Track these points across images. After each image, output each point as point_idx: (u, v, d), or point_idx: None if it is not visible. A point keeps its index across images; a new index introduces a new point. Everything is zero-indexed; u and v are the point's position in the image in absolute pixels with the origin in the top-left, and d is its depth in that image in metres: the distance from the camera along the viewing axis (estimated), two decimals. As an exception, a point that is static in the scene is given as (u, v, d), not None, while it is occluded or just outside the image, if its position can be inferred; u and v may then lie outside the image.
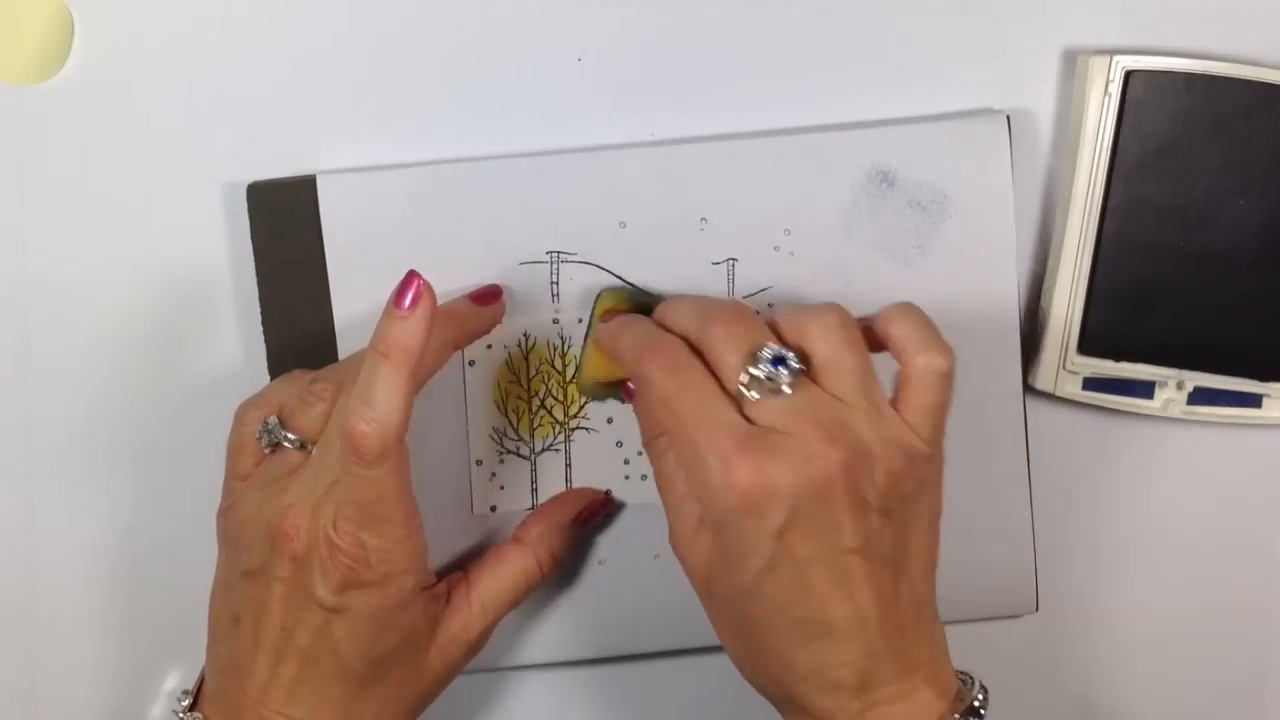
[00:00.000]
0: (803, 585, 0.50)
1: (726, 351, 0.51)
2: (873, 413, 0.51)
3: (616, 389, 0.59)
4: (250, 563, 0.54)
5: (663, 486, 0.54)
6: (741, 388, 0.50)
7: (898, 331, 0.52)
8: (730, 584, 0.51)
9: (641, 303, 0.59)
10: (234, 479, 0.57)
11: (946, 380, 0.52)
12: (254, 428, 0.56)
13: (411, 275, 0.53)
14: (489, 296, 0.59)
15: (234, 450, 0.57)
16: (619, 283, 0.60)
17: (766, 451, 0.49)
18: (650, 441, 0.55)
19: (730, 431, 0.50)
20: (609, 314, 0.58)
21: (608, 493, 0.61)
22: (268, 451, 0.56)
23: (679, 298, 0.56)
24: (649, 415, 0.55)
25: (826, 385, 0.51)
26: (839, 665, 0.50)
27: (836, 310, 0.52)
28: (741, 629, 0.52)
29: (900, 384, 0.52)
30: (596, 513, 0.61)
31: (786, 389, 0.50)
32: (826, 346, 0.51)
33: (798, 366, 0.51)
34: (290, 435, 0.55)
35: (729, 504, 0.49)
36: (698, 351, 0.52)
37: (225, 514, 0.56)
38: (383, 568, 0.53)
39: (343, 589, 0.53)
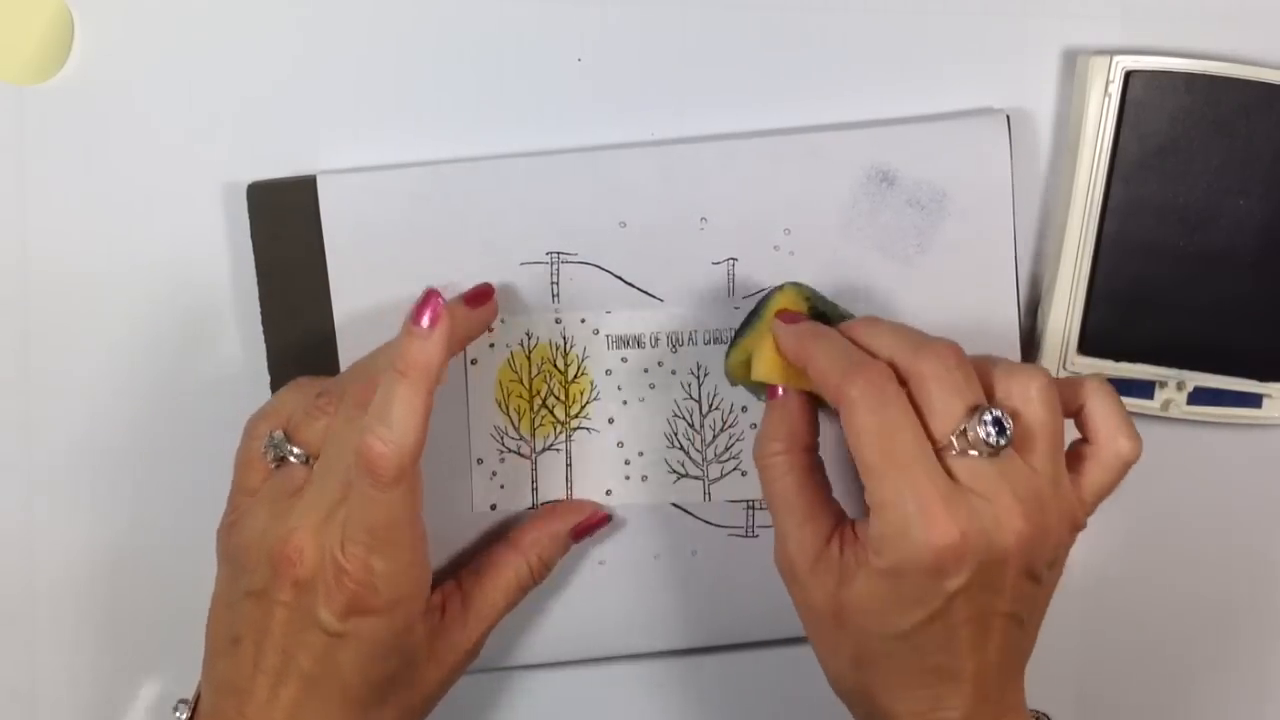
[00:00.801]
0: (951, 638, 0.51)
1: (948, 399, 0.50)
2: (1057, 485, 0.51)
3: (763, 387, 0.57)
4: (252, 584, 0.53)
5: (780, 505, 0.54)
6: (953, 438, 0.50)
7: (1095, 408, 0.53)
8: (882, 624, 0.51)
9: (820, 310, 0.57)
10: (240, 493, 0.56)
11: (1129, 470, 0.53)
12: (261, 442, 0.56)
13: (430, 294, 0.53)
14: (480, 297, 0.58)
15: (241, 464, 0.57)
16: (624, 286, 0.60)
17: (968, 516, 0.49)
18: (773, 455, 0.54)
19: (936, 487, 0.49)
20: (785, 314, 0.56)
21: (607, 514, 0.61)
22: (273, 466, 0.55)
23: (880, 320, 0.55)
24: (781, 426, 0.55)
25: (1024, 451, 0.51)
26: (951, 707, 0.51)
27: (1044, 375, 0.52)
28: (866, 660, 0.52)
29: (1083, 460, 0.53)
30: (594, 529, 0.60)
31: (994, 452, 0.50)
32: (1029, 411, 0.51)
33: (1010, 434, 0.50)
34: (296, 450, 0.55)
35: (920, 558, 0.49)
36: (902, 381, 0.51)
37: (228, 530, 0.55)
38: (389, 593, 0.52)
39: (347, 614, 0.52)
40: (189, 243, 0.61)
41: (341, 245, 0.59)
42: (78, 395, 0.61)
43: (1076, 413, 0.53)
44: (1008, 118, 0.61)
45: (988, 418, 0.50)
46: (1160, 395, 0.62)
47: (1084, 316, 0.61)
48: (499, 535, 0.60)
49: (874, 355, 0.52)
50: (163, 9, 0.60)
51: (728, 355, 0.58)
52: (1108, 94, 0.60)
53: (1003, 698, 0.52)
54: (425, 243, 0.59)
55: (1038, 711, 0.56)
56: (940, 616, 0.50)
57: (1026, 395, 0.51)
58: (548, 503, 0.61)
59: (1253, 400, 0.62)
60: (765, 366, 0.56)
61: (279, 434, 0.55)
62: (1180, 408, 0.62)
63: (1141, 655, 0.65)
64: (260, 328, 0.60)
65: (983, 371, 0.52)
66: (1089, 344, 0.61)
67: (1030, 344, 0.62)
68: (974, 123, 0.61)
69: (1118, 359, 0.62)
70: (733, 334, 0.58)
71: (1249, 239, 0.61)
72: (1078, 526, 0.53)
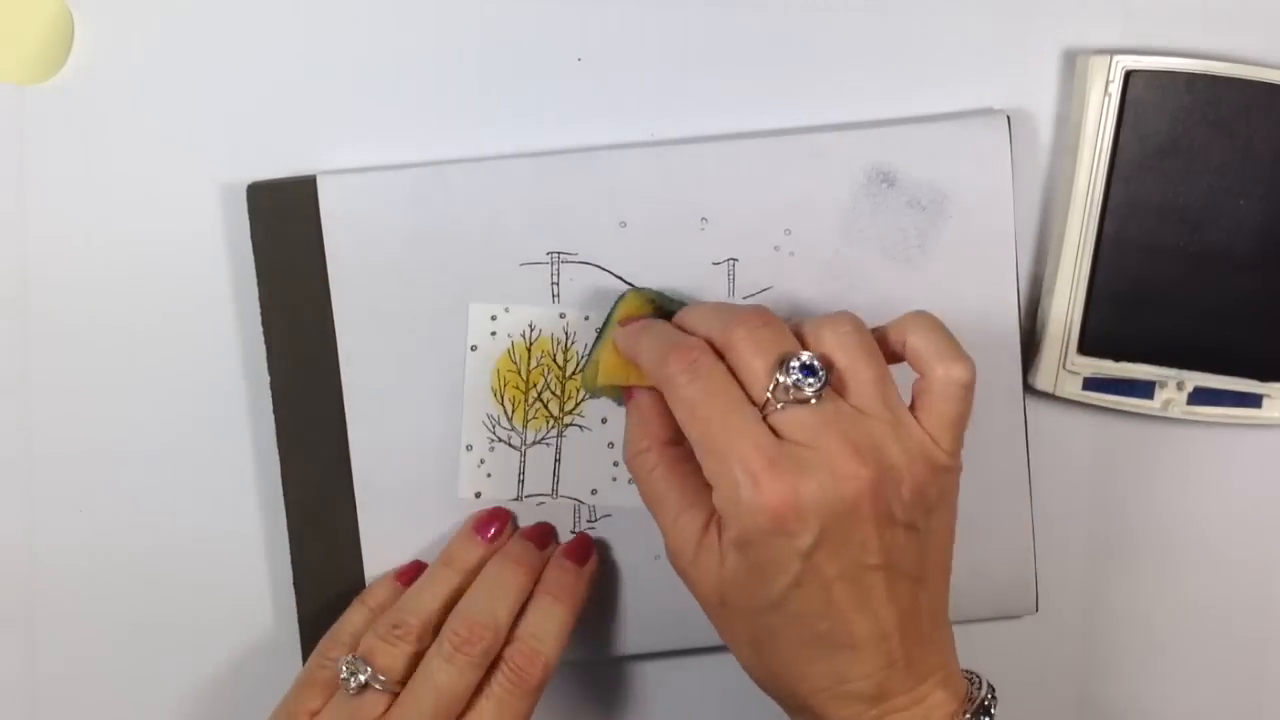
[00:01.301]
0: (827, 601, 0.50)
1: (753, 357, 0.51)
2: (896, 424, 0.50)
3: (619, 393, 0.59)
4: None
5: (653, 502, 0.54)
6: (768, 395, 0.50)
7: (916, 341, 0.52)
8: (752, 598, 0.51)
9: (665, 309, 0.58)
10: (303, 712, 0.56)
11: (968, 391, 0.52)
12: (334, 665, 0.56)
13: (583, 536, 0.60)
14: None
15: (314, 683, 0.57)
16: (624, 286, 0.60)
17: (796, 470, 0.49)
18: (636, 454, 0.55)
19: (759, 448, 0.49)
20: (629, 320, 0.58)
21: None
22: (353, 691, 0.55)
23: (702, 303, 0.56)
24: (640, 426, 0.55)
25: (848, 396, 0.51)
26: (858, 677, 0.51)
27: (851, 318, 0.52)
28: (759, 640, 0.52)
29: (920, 394, 0.52)
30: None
31: (813, 399, 0.50)
32: (845, 355, 0.51)
33: (825, 376, 0.50)
34: (381, 677, 0.54)
35: (758, 523, 0.49)
36: (721, 356, 0.52)
37: None
38: None
39: None
40: (189, 243, 0.61)
41: (341, 245, 0.59)
42: (78, 395, 0.61)
43: (903, 351, 0.53)
44: (1008, 118, 0.61)
45: (794, 364, 0.50)
46: (1160, 395, 0.62)
47: (1084, 316, 0.61)
48: None
49: (694, 335, 0.53)
50: (162, 9, 0.60)
51: (583, 369, 0.59)
52: (1108, 94, 0.60)
53: (920, 662, 0.51)
54: (425, 243, 0.59)
55: (969, 671, 0.54)
56: (806, 580, 0.50)
57: (838, 340, 0.51)
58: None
59: (1253, 400, 0.62)
60: (608, 370, 0.57)
61: (358, 659, 0.55)
62: (1180, 408, 0.62)
63: (1141, 656, 0.65)
64: (260, 328, 0.60)
65: (796, 329, 0.52)
66: (1089, 344, 0.61)
67: (1030, 344, 0.62)
68: (974, 123, 0.61)
69: (1118, 359, 0.62)
70: (589, 348, 0.60)
71: (1249, 239, 0.61)
72: (938, 465, 0.51)
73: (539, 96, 0.61)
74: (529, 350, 0.61)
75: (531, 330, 0.60)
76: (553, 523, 0.61)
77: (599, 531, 0.61)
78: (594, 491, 0.61)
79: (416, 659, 0.55)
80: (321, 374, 0.60)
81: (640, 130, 0.61)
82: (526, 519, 0.61)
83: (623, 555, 0.61)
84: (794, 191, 0.60)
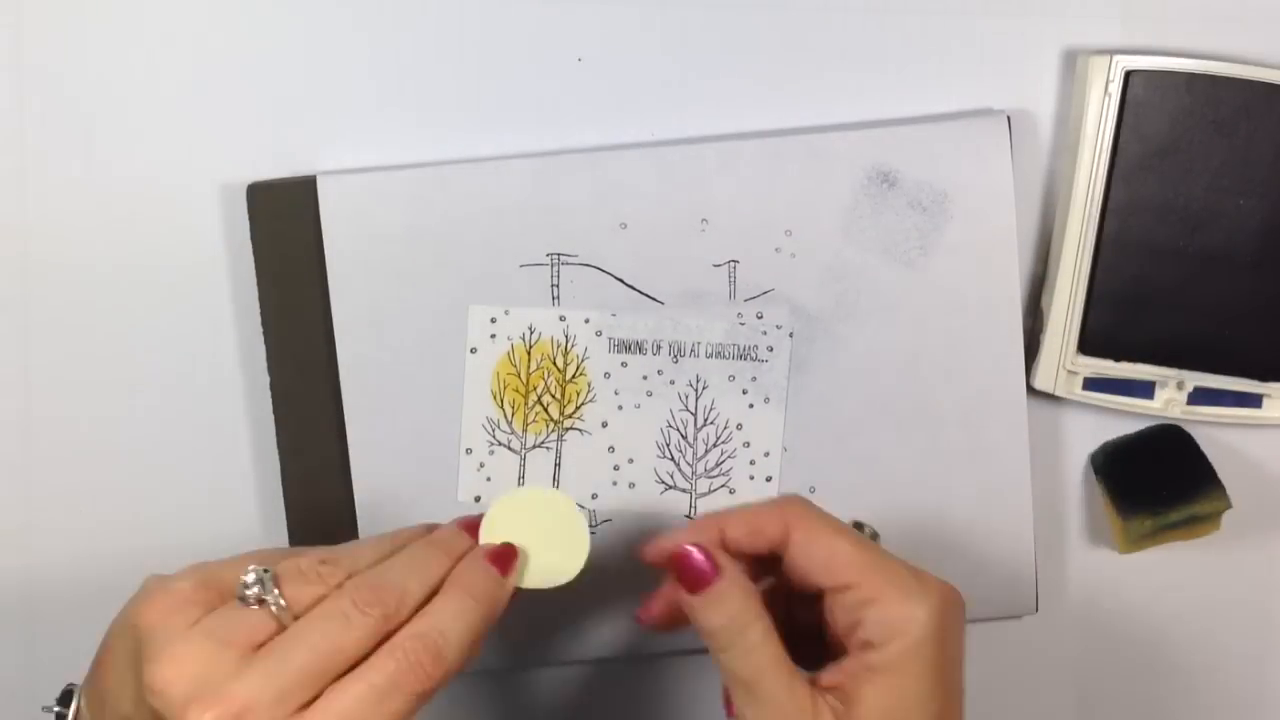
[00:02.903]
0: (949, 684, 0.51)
1: None
2: None
3: None
4: (154, 702, 0.48)
5: (759, 674, 0.51)
6: None
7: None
8: (939, 686, 0.51)
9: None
10: (204, 587, 0.50)
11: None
12: (244, 569, 0.50)
13: (509, 548, 0.52)
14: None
15: (223, 573, 0.51)
16: (624, 287, 0.60)
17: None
18: (743, 626, 0.51)
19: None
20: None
21: None
22: (252, 601, 0.49)
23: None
24: (748, 596, 0.52)
25: None
26: None
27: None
28: None
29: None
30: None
31: None
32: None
33: None
34: (282, 602, 0.49)
35: (934, 604, 0.50)
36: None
37: (164, 619, 0.49)
38: None
39: None
40: (189, 243, 0.61)
41: (341, 245, 0.59)
42: (77, 394, 0.61)
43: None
44: (1008, 118, 0.61)
45: None
46: (1160, 395, 0.62)
47: (1084, 316, 0.61)
48: None
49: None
50: (163, 9, 0.60)
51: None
52: (1108, 94, 0.60)
53: None
54: (425, 243, 0.59)
55: None
56: (951, 693, 0.50)
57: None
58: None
59: (1253, 400, 0.62)
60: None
61: (269, 574, 0.49)
62: (1180, 408, 0.62)
63: (1141, 656, 0.65)
64: (260, 328, 0.60)
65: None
66: (1089, 344, 0.61)
67: (1031, 344, 0.62)
68: (974, 123, 0.61)
69: (1118, 359, 0.62)
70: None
71: (1249, 239, 0.61)
72: None
73: (539, 96, 0.61)
74: (529, 353, 0.61)
75: (531, 333, 0.60)
76: None
77: (597, 536, 0.61)
78: (594, 496, 0.61)
79: None
80: (321, 375, 0.60)
81: (640, 130, 0.61)
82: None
83: (623, 559, 0.61)
84: (794, 192, 0.60)
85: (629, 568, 0.61)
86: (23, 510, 0.62)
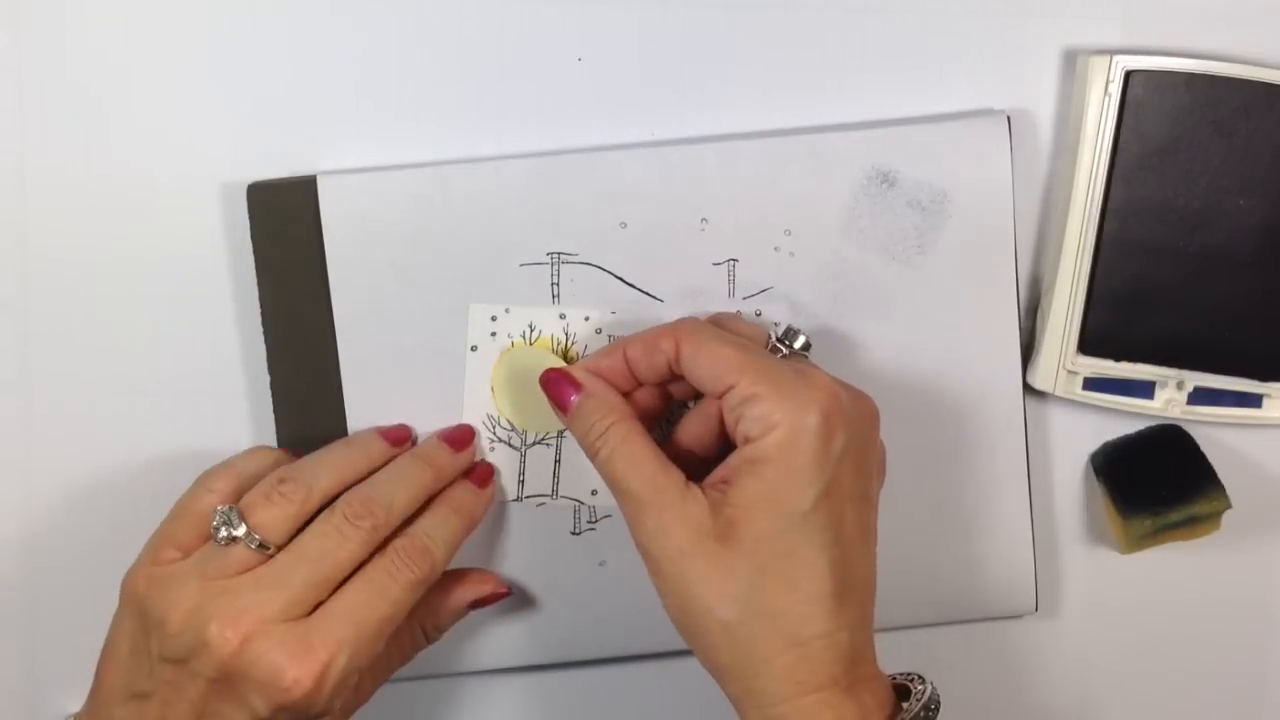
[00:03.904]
0: (840, 521, 0.53)
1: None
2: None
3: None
4: (171, 650, 0.52)
5: (629, 466, 0.54)
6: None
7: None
8: (775, 515, 0.52)
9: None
10: (168, 545, 0.55)
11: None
12: (217, 500, 0.55)
13: (485, 464, 0.60)
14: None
15: (181, 514, 0.56)
16: (624, 286, 0.60)
17: (830, 379, 0.54)
18: (609, 427, 0.55)
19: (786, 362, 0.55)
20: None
21: (508, 588, 0.61)
22: (222, 541, 0.53)
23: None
24: (602, 405, 0.56)
25: None
26: (843, 628, 0.52)
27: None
28: (764, 573, 0.52)
29: None
30: (492, 603, 0.60)
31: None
32: None
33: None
34: (255, 535, 0.53)
35: (806, 421, 0.51)
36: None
37: (149, 583, 0.54)
38: (333, 691, 0.52)
39: (282, 708, 0.52)
40: (189, 242, 0.61)
41: (341, 245, 0.59)
42: (78, 395, 0.61)
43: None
44: (1008, 118, 0.61)
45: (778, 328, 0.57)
46: (1160, 395, 0.62)
47: (1084, 316, 0.61)
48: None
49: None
50: (163, 9, 0.60)
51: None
52: (1108, 94, 0.60)
53: (870, 621, 0.53)
54: (425, 243, 0.59)
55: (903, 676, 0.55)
56: (831, 490, 0.51)
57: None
58: (451, 570, 0.59)
59: (1253, 400, 0.62)
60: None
61: (235, 511, 0.54)
62: (1180, 408, 0.62)
63: (1141, 656, 0.65)
64: (260, 328, 0.60)
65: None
66: (1089, 344, 0.61)
67: (1030, 344, 0.62)
68: (974, 123, 0.61)
69: (1118, 359, 0.62)
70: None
71: (1249, 239, 0.61)
72: None
73: (539, 96, 0.61)
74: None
75: (531, 331, 0.60)
76: (553, 524, 0.61)
77: (599, 532, 0.61)
78: (594, 492, 0.61)
79: (294, 525, 0.54)
80: (321, 374, 0.60)
81: (640, 130, 0.61)
82: (526, 519, 0.61)
83: (623, 556, 0.61)
84: (794, 191, 0.60)
85: (630, 566, 0.61)
86: (23, 510, 0.62)
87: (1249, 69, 0.60)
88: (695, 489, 0.53)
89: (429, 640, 0.60)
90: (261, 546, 0.53)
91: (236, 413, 0.61)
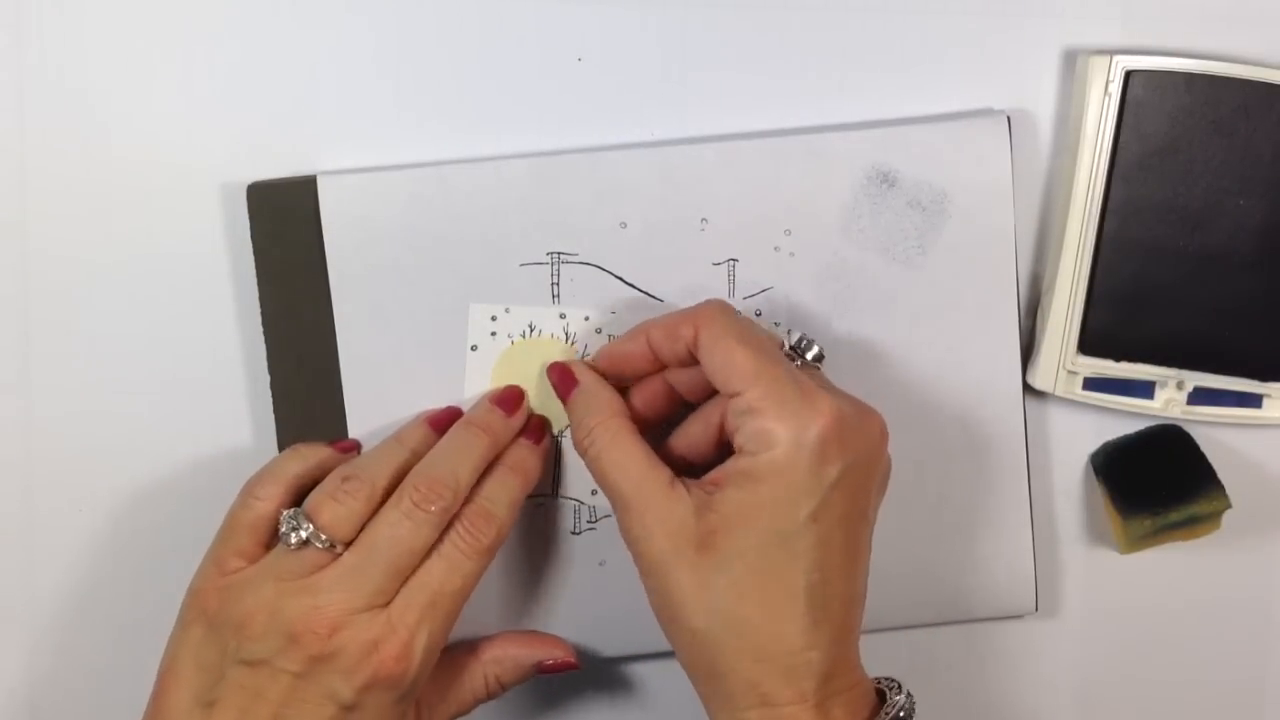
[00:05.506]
0: (827, 545, 0.52)
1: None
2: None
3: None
4: (252, 653, 0.52)
5: (615, 468, 0.54)
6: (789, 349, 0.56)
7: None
8: (760, 531, 0.52)
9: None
10: (233, 556, 0.55)
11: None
12: (271, 507, 0.55)
13: (539, 417, 0.60)
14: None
15: (238, 526, 0.56)
16: (624, 286, 0.60)
17: (836, 397, 0.54)
18: (598, 425, 0.55)
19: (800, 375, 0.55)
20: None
21: (577, 663, 0.60)
22: (293, 545, 0.54)
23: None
24: (594, 401, 0.56)
25: None
26: (816, 645, 0.52)
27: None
28: (742, 587, 0.52)
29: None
30: (559, 671, 0.60)
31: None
32: None
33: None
34: (323, 535, 0.54)
35: (803, 439, 0.51)
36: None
37: (219, 595, 0.54)
38: (419, 664, 0.53)
39: (369, 687, 0.52)
40: (189, 243, 0.61)
41: (341, 245, 0.59)
42: (78, 395, 0.61)
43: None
44: (1008, 118, 0.61)
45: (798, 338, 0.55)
46: (1160, 395, 0.62)
47: (1084, 316, 0.61)
48: (464, 641, 0.60)
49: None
50: (163, 9, 0.60)
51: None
52: (1108, 94, 0.60)
53: (854, 643, 0.53)
54: (425, 243, 0.59)
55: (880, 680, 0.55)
56: (821, 514, 0.51)
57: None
58: (522, 632, 0.60)
59: (1253, 400, 0.62)
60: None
61: (301, 514, 0.54)
62: (1180, 408, 0.62)
63: (1141, 656, 0.65)
64: (260, 328, 0.60)
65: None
66: (1089, 344, 0.62)
67: (1030, 344, 0.62)
68: (974, 123, 0.61)
69: (1118, 359, 0.62)
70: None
71: (1249, 239, 0.61)
72: None
73: (539, 96, 0.61)
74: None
75: (531, 330, 0.60)
76: (553, 524, 0.61)
77: (599, 532, 0.61)
78: (594, 492, 0.61)
79: (362, 520, 0.54)
80: (321, 374, 0.60)
81: (640, 130, 0.61)
82: (526, 518, 0.61)
83: (623, 556, 0.61)
84: (794, 191, 0.60)
85: (629, 566, 0.61)
86: (23, 509, 0.62)
87: (1249, 69, 0.60)
88: (681, 489, 0.53)
89: (490, 693, 0.59)
90: (331, 545, 0.54)
91: (236, 413, 0.61)
